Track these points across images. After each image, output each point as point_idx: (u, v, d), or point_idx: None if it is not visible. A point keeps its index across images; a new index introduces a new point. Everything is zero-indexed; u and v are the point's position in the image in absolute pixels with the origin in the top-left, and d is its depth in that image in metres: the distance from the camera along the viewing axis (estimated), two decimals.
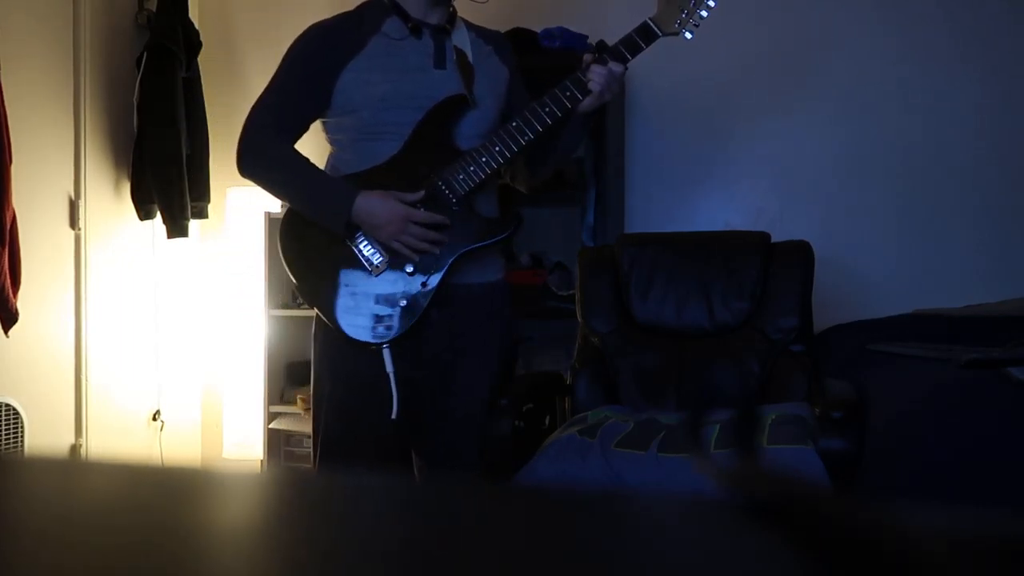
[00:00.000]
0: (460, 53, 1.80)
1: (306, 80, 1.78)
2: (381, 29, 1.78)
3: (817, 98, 3.08)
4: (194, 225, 3.38)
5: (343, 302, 1.76)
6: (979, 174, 2.95)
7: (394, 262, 1.74)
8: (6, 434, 2.74)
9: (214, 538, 0.29)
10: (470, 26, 1.89)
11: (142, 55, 3.25)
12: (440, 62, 1.78)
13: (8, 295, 2.65)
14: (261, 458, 3.20)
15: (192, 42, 3.35)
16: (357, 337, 1.75)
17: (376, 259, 1.74)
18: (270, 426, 3.15)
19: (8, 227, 2.65)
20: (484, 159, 1.73)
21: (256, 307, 3.23)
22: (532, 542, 0.28)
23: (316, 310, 1.80)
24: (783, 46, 3.10)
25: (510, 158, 1.74)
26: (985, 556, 0.22)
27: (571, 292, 2.78)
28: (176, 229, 3.24)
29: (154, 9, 3.30)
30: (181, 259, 3.50)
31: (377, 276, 1.74)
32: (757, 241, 2.59)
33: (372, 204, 1.71)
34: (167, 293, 3.45)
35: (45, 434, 2.92)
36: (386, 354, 1.75)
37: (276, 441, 3.17)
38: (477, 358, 1.84)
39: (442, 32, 1.80)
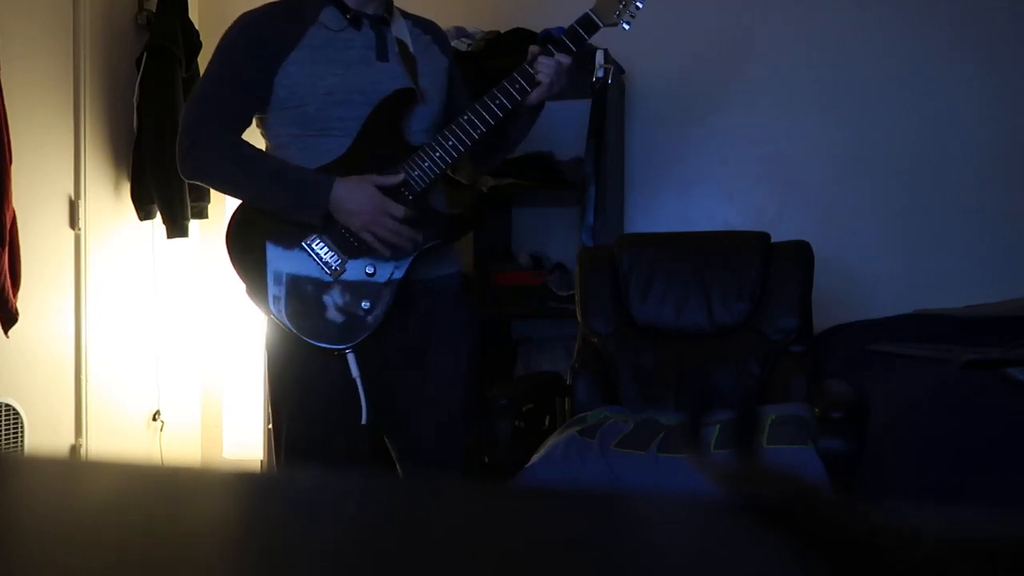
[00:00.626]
0: (402, 44, 1.74)
1: (245, 72, 1.68)
2: (318, 19, 1.69)
3: (817, 98, 3.08)
4: (194, 225, 3.38)
5: (300, 307, 1.67)
6: (979, 174, 2.95)
7: (353, 264, 1.67)
8: (6, 434, 2.74)
9: (214, 538, 0.29)
10: (406, 15, 1.82)
11: (142, 55, 3.25)
12: (383, 54, 1.72)
13: (8, 295, 2.65)
14: (261, 458, 3.20)
15: (192, 42, 3.35)
16: (319, 343, 1.68)
17: (334, 262, 1.67)
18: (270, 426, 3.15)
19: (8, 227, 2.65)
20: (438, 154, 1.68)
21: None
22: (531, 543, 0.28)
23: (272, 317, 1.71)
24: (784, 46, 3.10)
25: (463, 152, 1.70)
26: (985, 556, 0.22)
27: (571, 292, 2.78)
28: (176, 229, 3.24)
29: (154, 9, 3.30)
30: (181, 259, 3.50)
31: (335, 279, 1.67)
32: (757, 241, 2.59)
33: (351, 190, 1.63)
34: (167, 293, 3.45)
35: (45, 434, 2.92)
36: (351, 359, 1.68)
37: None
38: (448, 349, 1.79)
39: (381, 23, 1.74)
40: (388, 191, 1.66)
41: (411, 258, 1.69)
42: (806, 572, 0.24)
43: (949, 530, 0.27)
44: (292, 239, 1.68)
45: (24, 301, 2.73)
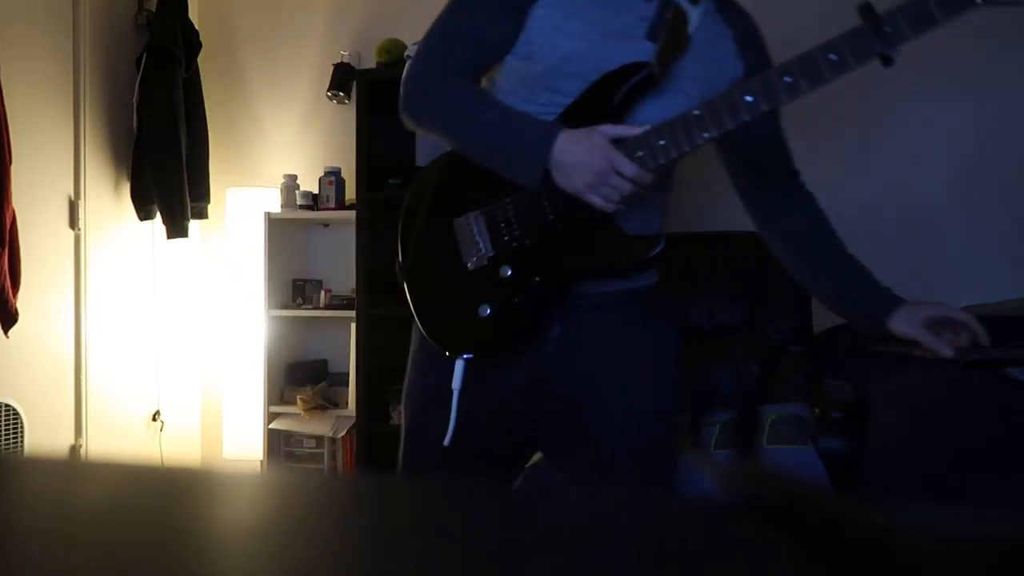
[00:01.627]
0: (679, 18, 1.35)
1: (494, 4, 1.37)
2: None
3: (817, 97, 3.07)
4: (194, 225, 3.39)
5: (432, 294, 1.42)
6: (979, 174, 2.95)
7: (495, 259, 1.37)
8: (6, 434, 2.75)
9: (214, 538, 0.29)
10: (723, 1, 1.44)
11: (142, 55, 3.25)
12: (654, 33, 1.34)
13: (8, 295, 2.65)
14: (261, 458, 3.20)
15: (192, 42, 3.35)
16: (434, 340, 1.41)
17: (474, 250, 1.38)
18: (270, 426, 3.16)
19: (8, 227, 2.65)
20: (640, 154, 1.28)
21: (256, 307, 3.23)
22: (532, 542, 0.28)
23: (407, 293, 1.45)
24: (784, 45, 3.10)
25: (667, 161, 1.29)
26: (985, 556, 0.22)
27: None
28: (176, 229, 3.24)
29: (154, 9, 3.31)
30: (181, 259, 3.51)
31: (467, 269, 1.38)
32: (757, 241, 2.59)
33: (576, 140, 1.29)
34: (167, 293, 3.45)
35: (45, 434, 2.92)
36: (458, 367, 1.37)
37: (276, 441, 3.17)
38: (628, 384, 1.43)
39: None
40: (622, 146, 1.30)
41: (557, 265, 1.36)
42: (806, 572, 0.24)
43: (949, 530, 0.27)
44: (447, 214, 1.41)
45: (24, 301, 2.73)
